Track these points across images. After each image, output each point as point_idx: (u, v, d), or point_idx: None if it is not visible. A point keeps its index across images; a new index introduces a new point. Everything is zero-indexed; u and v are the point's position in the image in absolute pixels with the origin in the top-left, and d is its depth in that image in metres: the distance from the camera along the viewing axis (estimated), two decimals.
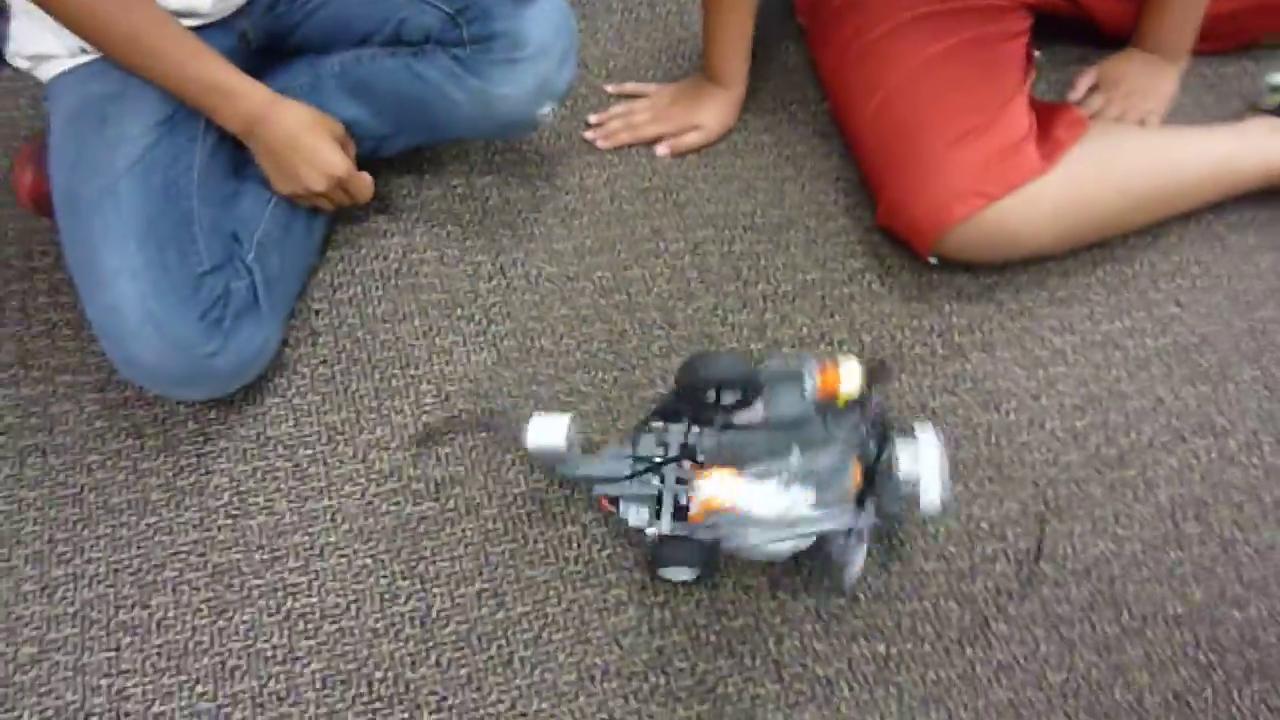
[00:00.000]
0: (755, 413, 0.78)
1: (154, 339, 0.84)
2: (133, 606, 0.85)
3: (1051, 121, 0.98)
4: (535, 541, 0.88)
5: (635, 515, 0.80)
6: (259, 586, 0.86)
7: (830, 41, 1.09)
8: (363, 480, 0.92)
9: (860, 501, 0.72)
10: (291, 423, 0.96)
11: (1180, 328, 0.98)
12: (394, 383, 0.98)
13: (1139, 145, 1.02)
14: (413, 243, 1.08)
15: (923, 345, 0.98)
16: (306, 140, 0.92)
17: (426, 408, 0.96)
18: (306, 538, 0.89)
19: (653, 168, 1.12)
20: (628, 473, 0.79)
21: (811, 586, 0.84)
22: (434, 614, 0.84)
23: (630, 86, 1.19)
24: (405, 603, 0.85)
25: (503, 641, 0.83)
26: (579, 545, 0.87)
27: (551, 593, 0.85)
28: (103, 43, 0.86)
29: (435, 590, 0.86)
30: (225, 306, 0.89)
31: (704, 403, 0.75)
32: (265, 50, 1.01)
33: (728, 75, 1.12)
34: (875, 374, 0.77)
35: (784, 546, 0.73)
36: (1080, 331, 0.98)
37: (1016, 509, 0.88)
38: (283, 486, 0.92)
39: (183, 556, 0.88)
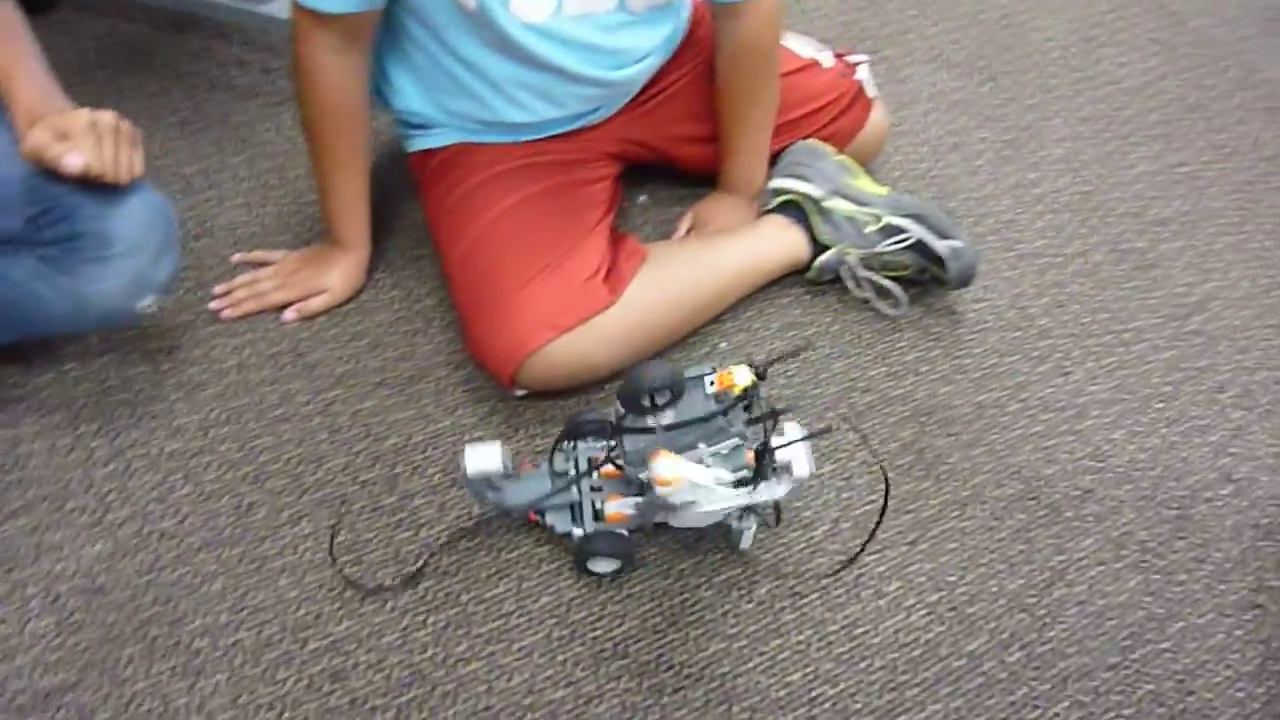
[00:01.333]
0: (667, 416, 0.86)
1: None
2: None
3: (616, 255, 1.09)
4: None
5: (561, 523, 0.94)
6: None
7: (431, 193, 1.16)
8: None
9: (754, 481, 0.85)
10: None
11: None
12: None
13: (682, 261, 1.16)
14: (19, 434, 1.02)
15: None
16: None
17: (33, 612, 0.91)
18: None
19: (281, 332, 1.14)
20: (550, 490, 0.92)
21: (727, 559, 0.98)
22: None
23: (257, 255, 1.21)
24: None
25: None
26: None
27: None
28: None
29: None
30: None
31: (643, 406, 0.85)
32: None
33: (350, 238, 1.16)
34: (759, 376, 0.87)
35: (714, 510, 0.86)
36: None
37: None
38: None
39: None
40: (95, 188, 0.91)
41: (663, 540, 1.00)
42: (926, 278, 1.22)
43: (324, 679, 0.89)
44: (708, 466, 0.84)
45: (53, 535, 0.96)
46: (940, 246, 1.16)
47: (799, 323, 1.21)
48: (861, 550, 1.00)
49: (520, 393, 1.07)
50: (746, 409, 0.88)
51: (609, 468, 0.90)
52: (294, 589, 0.94)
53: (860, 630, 0.96)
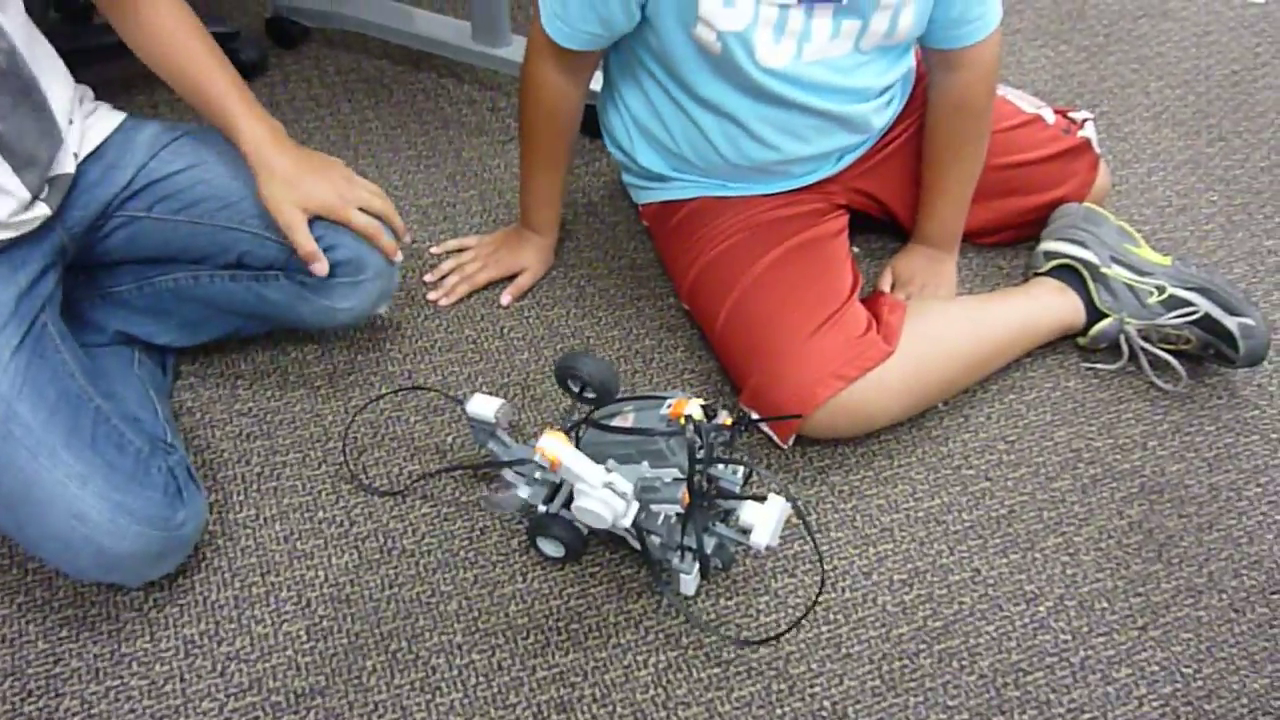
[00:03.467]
0: (626, 420, 0.92)
1: (129, 527, 0.88)
2: None
3: (877, 308, 1.10)
4: None
5: (531, 494, 0.98)
6: None
7: (676, 246, 1.20)
8: (221, 696, 0.92)
9: (683, 517, 0.88)
10: (147, 638, 0.95)
11: (991, 501, 1.09)
12: (254, 590, 0.99)
13: (957, 317, 1.16)
14: (275, 445, 1.10)
15: None
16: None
17: (286, 616, 0.97)
18: None
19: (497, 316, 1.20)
20: (517, 453, 0.99)
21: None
22: None
23: (451, 243, 1.30)
24: None
25: None
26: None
27: None
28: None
29: None
30: (174, 479, 0.95)
31: (570, 390, 0.92)
32: (82, 263, 1.05)
33: (542, 224, 1.25)
34: (709, 415, 0.89)
35: (600, 512, 0.87)
36: (904, 509, 1.07)
37: (855, 686, 0.94)
38: (137, 706, 0.91)
39: None
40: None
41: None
42: (1210, 354, 1.16)
43: (551, 709, 0.92)
44: (611, 471, 0.88)
45: (304, 544, 1.03)
46: (1230, 323, 1.11)
47: (1018, 386, 1.19)
48: (789, 629, 0.98)
49: (787, 445, 1.11)
50: (725, 449, 0.92)
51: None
52: (523, 616, 0.98)
53: (1085, 717, 0.93)
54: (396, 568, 1.01)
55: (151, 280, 1.07)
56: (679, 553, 0.94)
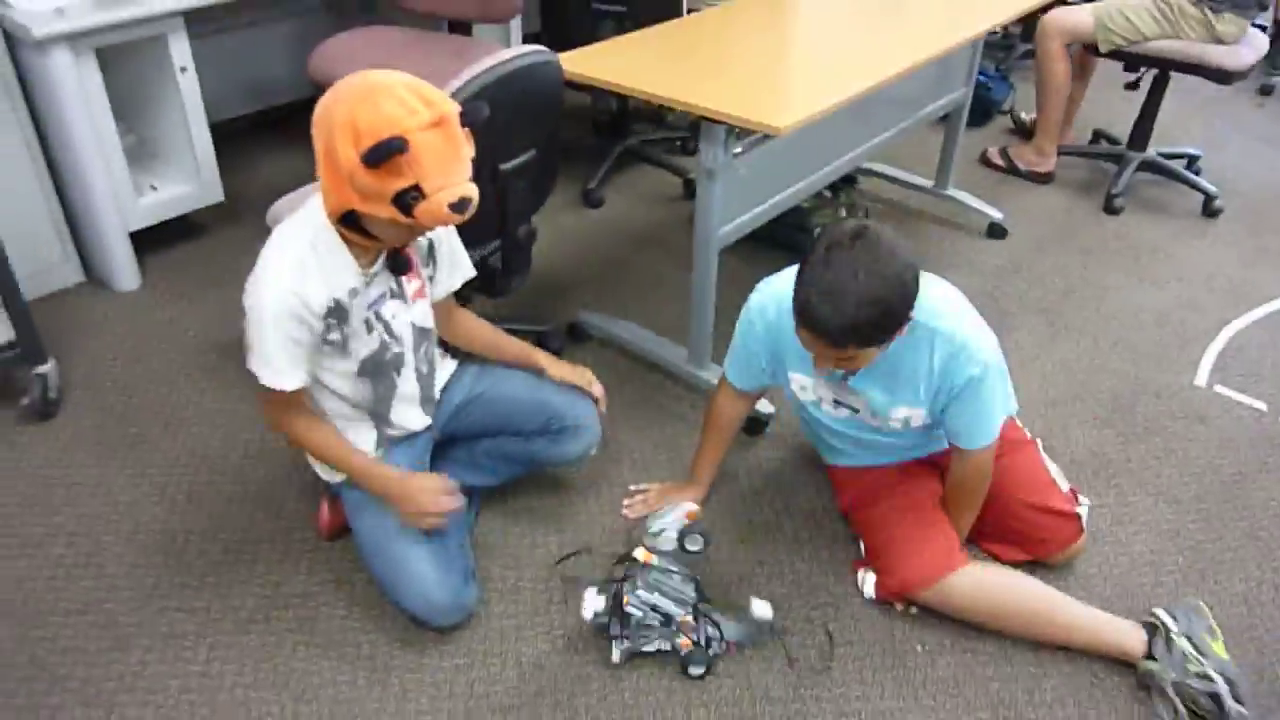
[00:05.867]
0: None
1: (451, 601, 1.73)
2: None
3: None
4: None
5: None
6: None
7: (849, 492, 1.98)
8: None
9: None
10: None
11: None
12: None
13: (1038, 585, 1.79)
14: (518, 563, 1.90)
15: None
16: (414, 481, 1.75)
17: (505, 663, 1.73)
18: None
19: None
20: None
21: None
22: None
23: (642, 486, 2.10)
24: None
25: None
26: None
27: None
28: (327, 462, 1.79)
29: None
30: (467, 565, 1.78)
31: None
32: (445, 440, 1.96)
33: (701, 479, 2.03)
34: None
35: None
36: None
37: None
38: None
39: None
40: (576, 403, 1.89)
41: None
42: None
43: None
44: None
45: (511, 621, 1.79)
46: (1230, 706, 1.60)
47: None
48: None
49: (908, 609, 1.83)
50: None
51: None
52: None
53: None
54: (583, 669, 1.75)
55: (471, 448, 1.97)
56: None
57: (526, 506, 2.05)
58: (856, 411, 1.80)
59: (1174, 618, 1.72)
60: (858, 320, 1.48)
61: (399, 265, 1.66)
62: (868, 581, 1.85)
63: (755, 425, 2.25)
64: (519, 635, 1.78)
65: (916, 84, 2.71)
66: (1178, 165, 3.49)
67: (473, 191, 1.47)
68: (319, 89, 2.47)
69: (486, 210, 1.93)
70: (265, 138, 3.57)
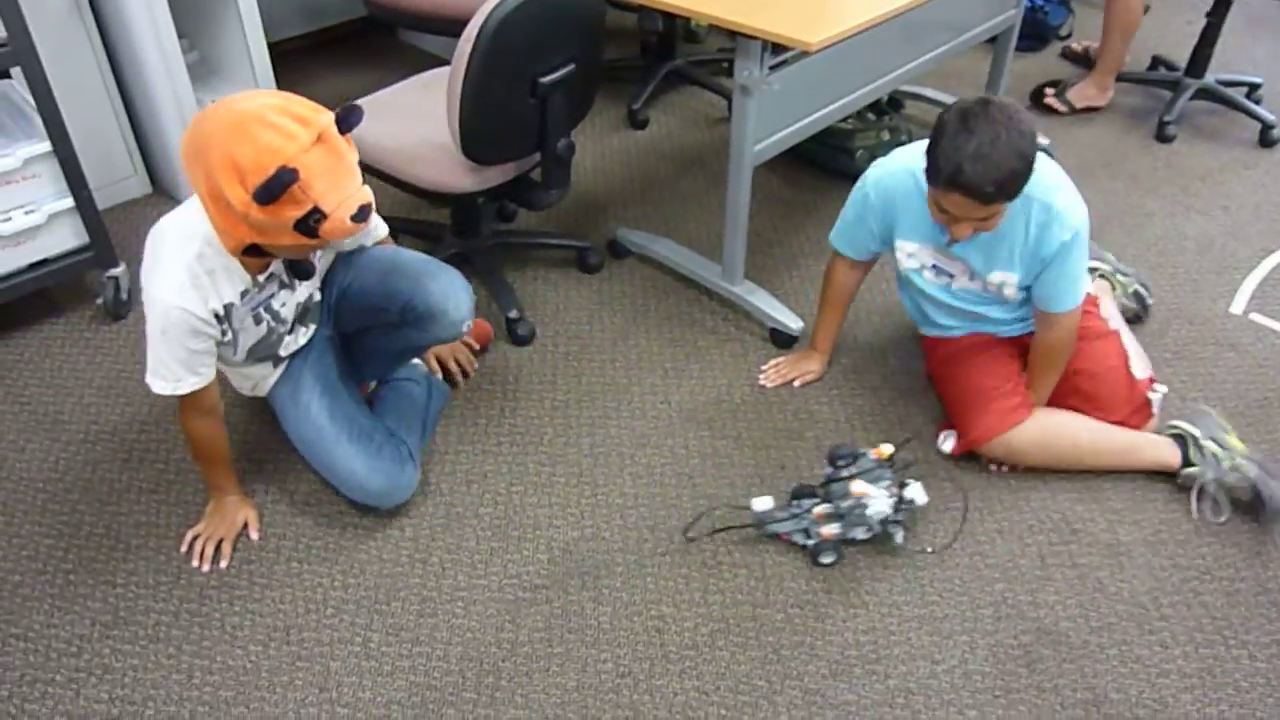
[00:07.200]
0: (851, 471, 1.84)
1: (385, 486, 1.83)
2: None
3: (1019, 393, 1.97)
4: None
5: (799, 537, 1.84)
6: None
7: (936, 354, 2.13)
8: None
9: (896, 507, 1.78)
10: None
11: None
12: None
13: (1085, 421, 1.98)
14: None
15: None
16: (228, 508, 1.86)
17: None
18: None
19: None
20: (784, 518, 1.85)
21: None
22: None
23: (773, 361, 2.26)
24: None
25: None
26: None
27: None
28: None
29: None
30: (399, 450, 1.86)
31: (836, 465, 1.84)
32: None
33: (823, 346, 2.23)
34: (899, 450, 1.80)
35: (875, 513, 1.77)
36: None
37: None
38: None
39: None
40: (427, 286, 1.80)
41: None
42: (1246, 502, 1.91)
43: None
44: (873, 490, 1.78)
45: (545, 510, 1.91)
46: (1268, 486, 1.85)
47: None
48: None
49: (1000, 468, 2.02)
50: (893, 470, 1.79)
51: (820, 509, 1.79)
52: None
53: None
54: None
55: (363, 342, 1.95)
56: (891, 524, 1.81)
57: (563, 401, 2.16)
58: (953, 277, 1.96)
59: (1194, 425, 1.97)
60: (1011, 175, 1.62)
61: (303, 272, 1.68)
62: (948, 440, 2.04)
63: (783, 338, 2.32)
64: (550, 524, 1.90)
65: (961, 4, 2.70)
66: (1237, 93, 3.41)
67: (369, 196, 1.46)
68: (372, 10, 2.52)
69: (527, 123, 2.01)
70: (322, 55, 3.67)
